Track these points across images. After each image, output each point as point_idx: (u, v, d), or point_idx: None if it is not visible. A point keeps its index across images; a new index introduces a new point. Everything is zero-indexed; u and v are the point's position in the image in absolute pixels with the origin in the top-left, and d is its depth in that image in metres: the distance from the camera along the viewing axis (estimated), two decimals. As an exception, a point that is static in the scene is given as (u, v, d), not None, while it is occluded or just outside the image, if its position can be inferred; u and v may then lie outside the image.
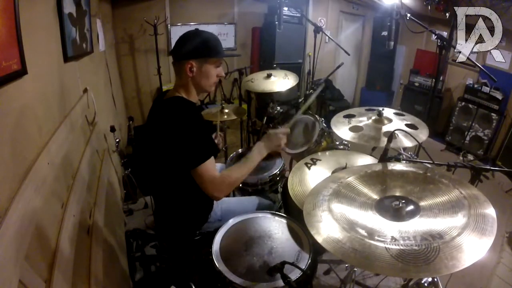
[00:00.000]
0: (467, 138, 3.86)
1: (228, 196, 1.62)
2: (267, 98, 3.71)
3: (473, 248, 0.70)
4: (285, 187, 1.67)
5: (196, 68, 1.21)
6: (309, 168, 1.50)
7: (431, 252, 0.70)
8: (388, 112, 1.68)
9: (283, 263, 0.95)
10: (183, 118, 1.15)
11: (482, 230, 0.74)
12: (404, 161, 1.15)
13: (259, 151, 1.33)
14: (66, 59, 1.59)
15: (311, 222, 0.88)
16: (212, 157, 1.18)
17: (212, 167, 1.17)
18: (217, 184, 1.17)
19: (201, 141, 1.16)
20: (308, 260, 1.07)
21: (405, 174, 1.04)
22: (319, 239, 0.81)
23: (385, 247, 0.74)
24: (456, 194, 0.88)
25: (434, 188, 0.93)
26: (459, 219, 0.79)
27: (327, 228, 0.84)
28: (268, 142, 1.36)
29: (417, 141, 1.32)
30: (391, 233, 0.79)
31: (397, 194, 0.96)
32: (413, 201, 0.91)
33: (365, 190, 1.00)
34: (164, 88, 3.82)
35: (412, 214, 0.86)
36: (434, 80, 1.82)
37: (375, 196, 0.96)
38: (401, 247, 0.73)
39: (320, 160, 1.55)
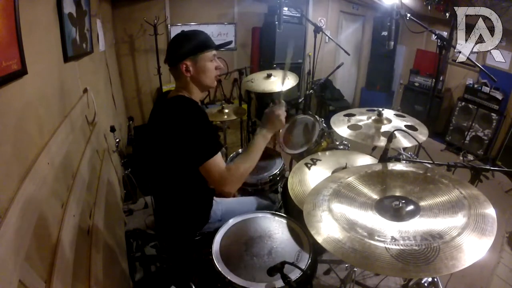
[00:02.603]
0: (467, 138, 3.86)
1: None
2: (267, 98, 3.71)
3: (473, 248, 0.70)
4: (285, 187, 1.67)
5: (191, 66, 1.22)
6: (309, 168, 1.50)
7: (431, 252, 0.70)
8: (388, 113, 1.69)
9: (283, 263, 0.95)
10: (187, 115, 1.15)
11: (482, 230, 0.74)
12: (404, 161, 1.15)
13: (262, 135, 1.26)
14: (66, 59, 1.58)
15: (311, 222, 0.88)
16: (219, 153, 1.17)
17: (220, 162, 1.16)
18: (226, 178, 1.15)
19: (207, 137, 1.15)
20: (308, 260, 1.07)
21: (405, 174, 1.03)
22: (319, 239, 0.81)
23: (385, 247, 0.74)
24: (456, 194, 0.88)
25: (434, 188, 0.93)
26: (459, 219, 0.79)
27: (327, 228, 0.84)
28: (268, 123, 1.28)
29: (417, 141, 1.32)
30: (391, 233, 0.79)
31: (397, 194, 0.96)
32: (413, 201, 0.91)
33: (365, 190, 1.00)
34: (164, 88, 3.82)
35: (412, 214, 0.86)
36: (434, 80, 1.82)
37: (375, 196, 0.96)
38: (401, 247, 0.73)
39: (320, 160, 1.55)
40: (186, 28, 4.10)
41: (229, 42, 1.39)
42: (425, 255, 0.70)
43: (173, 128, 1.16)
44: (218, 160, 1.15)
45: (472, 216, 0.78)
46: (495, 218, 0.77)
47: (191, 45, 1.22)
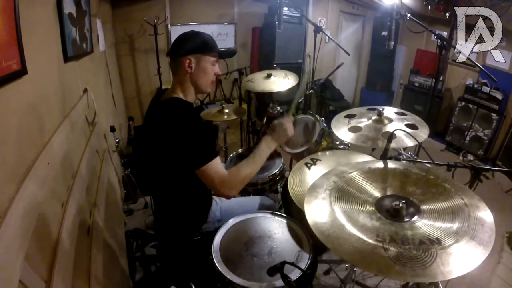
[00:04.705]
0: (467, 138, 3.86)
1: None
2: (267, 98, 3.71)
3: (469, 256, 0.70)
4: (285, 187, 1.67)
5: (194, 64, 1.23)
6: (309, 168, 1.49)
7: (428, 257, 0.70)
8: (389, 111, 1.68)
9: (283, 263, 0.94)
10: (182, 119, 1.15)
11: (479, 240, 0.74)
12: (404, 161, 1.15)
13: (267, 145, 1.29)
14: (66, 59, 1.58)
15: (311, 218, 0.87)
16: (218, 157, 1.16)
17: (219, 165, 1.16)
18: (227, 182, 1.15)
19: (203, 141, 1.15)
20: (308, 260, 1.07)
21: (407, 175, 1.03)
22: (319, 235, 0.81)
23: (384, 247, 0.74)
24: (457, 200, 0.87)
25: (436, 192, 0.93)
26: (458, 226, 0.79)
27: (326, 225, 0.84)
28: (275, 134, 1.31)
29: (417, 141, 1.32)
30: (390, 234, 0.79)
31: (398, 194, 0.95)
32: (413, 203, 0.90)
33: (367, 188, 0.99)
34: (164, 88, 3.82)
35: (412, 216, 0.86)
36: (434, 80, 1.81)
37: (376, 195, 0.96)
38: (399, 250, 0.73)
39: (320, 160, 1.55)
40: (187, 28, 4.10)
41: (234, 52, 1.42)
42: (422, 260, 0.70)
43: (169, 132, 1.15)
44: (217, 164, 1.14)
45: (471, 224, 0.78)
46: (493, 229, 0.77)
47: (198, 43, 1.23)
